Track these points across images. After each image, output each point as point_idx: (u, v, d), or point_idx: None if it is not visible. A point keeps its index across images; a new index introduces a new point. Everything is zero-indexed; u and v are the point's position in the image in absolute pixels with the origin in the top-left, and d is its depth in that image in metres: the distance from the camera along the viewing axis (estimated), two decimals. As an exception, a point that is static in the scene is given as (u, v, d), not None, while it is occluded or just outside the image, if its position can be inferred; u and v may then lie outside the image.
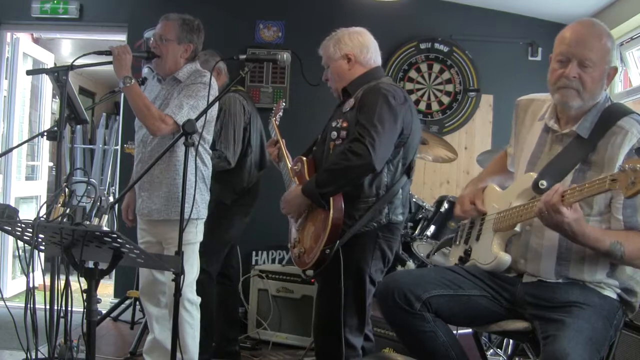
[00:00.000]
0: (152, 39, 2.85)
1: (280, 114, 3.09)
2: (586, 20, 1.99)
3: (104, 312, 4.18)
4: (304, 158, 2.71)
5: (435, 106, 4.68)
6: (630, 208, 1.85)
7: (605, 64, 1.92)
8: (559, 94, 1.95)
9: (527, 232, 2.00)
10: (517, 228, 2.00)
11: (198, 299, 2.81)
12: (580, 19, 2.01)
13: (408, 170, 2.63)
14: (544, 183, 1.88)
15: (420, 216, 3.67)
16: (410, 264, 3.56)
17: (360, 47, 2.63)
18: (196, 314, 2.78)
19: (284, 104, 3.14)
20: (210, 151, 2.90)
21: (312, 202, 2.52)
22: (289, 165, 2.78)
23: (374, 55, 2.66)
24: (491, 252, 2.05)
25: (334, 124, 2.58)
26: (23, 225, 1.81)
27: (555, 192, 1.76)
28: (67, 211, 1.82)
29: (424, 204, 3.70)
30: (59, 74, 2.49)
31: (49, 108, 5.75)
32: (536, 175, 1.95)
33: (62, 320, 2.20)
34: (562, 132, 2.01)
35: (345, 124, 2.53)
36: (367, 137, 2.39)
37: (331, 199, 2.46)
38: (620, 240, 1.81)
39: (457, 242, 2.30)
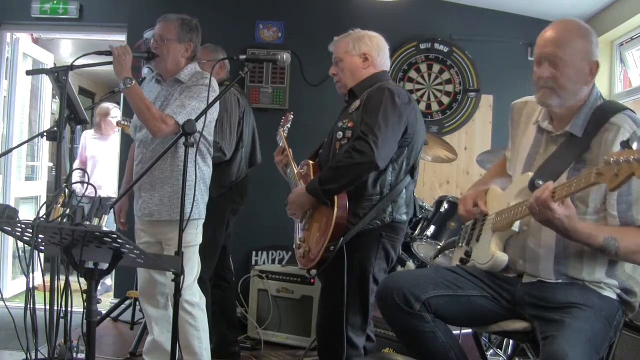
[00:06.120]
0: (152, 39, 2.85)
1: (289, 125, 3.13)
2: (561, 20, 2.03)
3: (103, 312, 4.18)
4: (310, 162, 2.74)
5: (434, 106, 4.68)
6: (624, 203, 1.85)
7: (581, 60, 1.94)
8: (538, 95, 2.02)
9: (525, 232, 2.01)
10: (515, 228, 2.00)
11: (202, 300, 2.79)
12: (559, 19, 2.04)
13: (412, 171, 2.65)
14: (540, 182, 1.88)
15: (420, 216, 3.67)
16: (410, 264, 3.56)
17: (377, 49, 2.71)
18: (199, 314, 2.76)
19: (292, 116, 3.17)
20: (212, 151, 2.89)
21: (315, 199, 2.54)
22: (295, 171, 2.81)
23: (385, 60, 2.74)
24: (488, 252, 2.05)
25: (339, 124, 2.62)
26: (23, 226, 1.81)
27: (546, 189, 1.77)
28: (67, 211, 1.82)
29: (424, 204, 3.70)
30: (59, 74, 2.49)
31: (49, 108, 5.75)
32: (532, 175, 1.96)
33: (62, 321, 2.20)
34: (556, 133, 2.02)
35: (350, 124, 2.57)
36: (371, 135, 2.42)
37: (335, 197, 2.47)
38: (615, 235, 1.80)
39: (460, 244, 2.31)
